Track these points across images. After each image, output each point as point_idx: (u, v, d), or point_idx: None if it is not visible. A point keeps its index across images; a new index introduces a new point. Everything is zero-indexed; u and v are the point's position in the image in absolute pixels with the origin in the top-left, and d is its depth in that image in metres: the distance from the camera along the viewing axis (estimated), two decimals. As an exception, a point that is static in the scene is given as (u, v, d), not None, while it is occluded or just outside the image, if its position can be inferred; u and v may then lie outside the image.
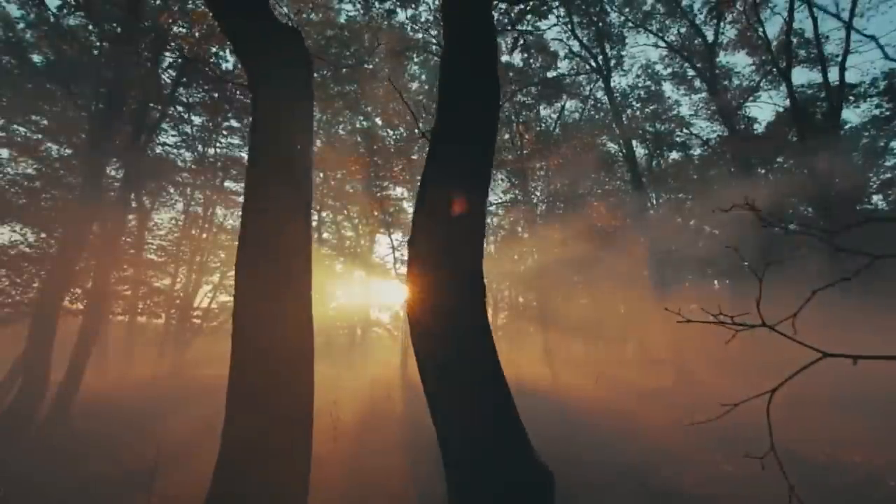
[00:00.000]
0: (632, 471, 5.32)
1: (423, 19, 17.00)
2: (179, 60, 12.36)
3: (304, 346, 3.26)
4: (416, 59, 20.37)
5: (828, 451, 5.89)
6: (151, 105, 14.04)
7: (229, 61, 15.90)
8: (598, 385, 12.58)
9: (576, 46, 19.22)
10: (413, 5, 15.51)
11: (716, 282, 34.07)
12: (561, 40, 19.92)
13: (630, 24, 19.55)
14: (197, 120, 19.72)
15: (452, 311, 3.03)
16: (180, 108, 18.26)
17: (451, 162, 3.32)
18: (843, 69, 15.23)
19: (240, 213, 20.40)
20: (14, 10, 13.88)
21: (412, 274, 3.18)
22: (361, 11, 16.12)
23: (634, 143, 20.17)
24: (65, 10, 10.57)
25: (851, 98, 18.47)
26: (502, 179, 23.29)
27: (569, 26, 17.83)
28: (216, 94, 15.20)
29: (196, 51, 8.84)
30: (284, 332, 3.18)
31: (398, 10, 15.73)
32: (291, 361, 3.15)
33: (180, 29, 10.39)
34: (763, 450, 5.39)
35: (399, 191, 25.35)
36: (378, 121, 23.22)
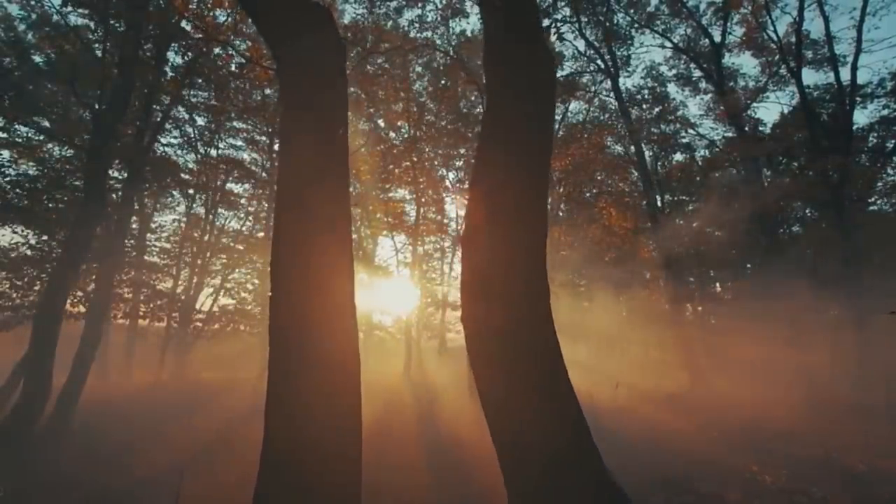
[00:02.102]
0: (670, 482, 5.09)
1: (428, 20, 16.79)
2: (186, 56, 12.14)
3: (348, 347, 2.97)
4: (419, 61, 20.24)
5: (866, 459, 5.67)
6: (156, 106, 13.86)
7: (232, 66, 15.75)
8: (615, 391, 12.34)
9: (582, 46, 19.12)
10: (420, 4, 15.31)
11: (718, 284, 34.03)
12: (567, 40, 19.78)
13: (636, 25, 19.44)
14: (200, 121, 19.54)
15: (514, 318, 2.76)
16: (182, 109, 18.11)
17: (508, 142, 3.02)
18: (854, 69, 15.09)
19: (241, 215, 20.18)
20: (15, 10, 13.70)
21: (467, 273, 2.92)
22: (367, 10, 15.93)
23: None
24: (68, 6, 10.36)
25: (858, 99, 18.35)
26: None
27: (576, 25, 17.68)
28: (222, 93, 15.00)
29: (212, 32, 8.60)
30: (328, 331, 2.91)
31: (405, 9, 15.57)
32: (337, 364, 2.87)
33: (190, 19, 10.18)
34: (798, 458, 5.17)
35: (401, 193, 25.24)
36: (381, 122, 23.08)
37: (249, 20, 14.42)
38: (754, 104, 20.78)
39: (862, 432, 7.24)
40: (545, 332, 2.84)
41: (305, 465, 2.58)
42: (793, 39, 16.55)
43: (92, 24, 12.18)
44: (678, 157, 25.42)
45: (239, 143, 22.24)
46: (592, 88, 21.68)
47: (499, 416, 2.80)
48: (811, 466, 5.45)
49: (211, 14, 8.68)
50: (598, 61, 18.84)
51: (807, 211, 25.04)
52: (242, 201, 24.06)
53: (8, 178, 13.70)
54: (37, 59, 13.89)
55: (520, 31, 3.33)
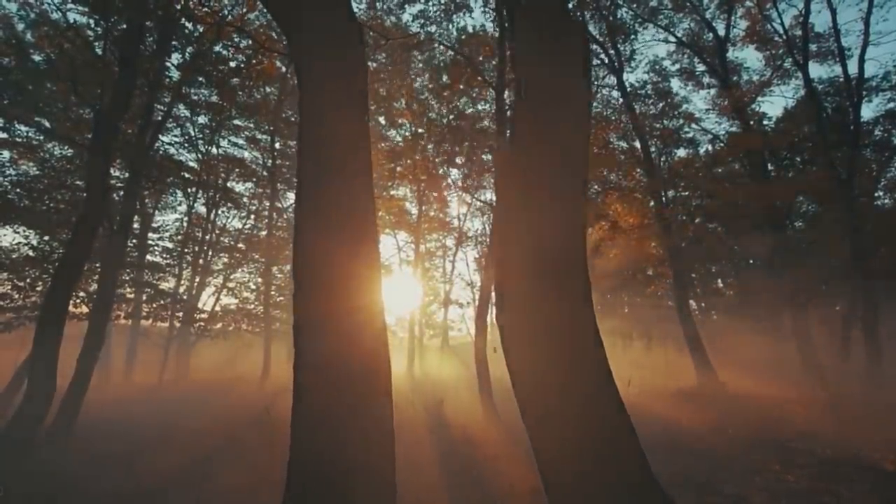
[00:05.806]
0: (693, 482, 4.98)
1: (430, 14, 16.60)
2: (187, 52, 12.00)
3: (379, 348, 2.84)
4: (420, 57, 20.07)
5: (892, 457, 5.55)
6: (157, 105, 13.70)
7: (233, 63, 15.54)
8: (627, 388, 12.24)
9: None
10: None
11: (719, 280, 33.94)
12: (570, 35, 19.55)
13: (639, 20, 19.28)
14: (201, 119, 19.43)
15: (553, 312, 2.61)
16: (183, 107, 17.97)
17: (542, 123, 2.87)
18: (862, 61, 14.95)
19: (243, 214, 20.07)
20: (13, 8, 13.55)
21: (501, 271, 2.77)
22: (368, 6, 15.80)
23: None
24: (68, 3, 10.21)
25: (864, 92, 18.21)
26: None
27: (580, 19, 17.51)
28: (223, 90, 14.84)
29: (221, 21, 8.42)
30: (357, 331, 2.77)
31: (407, 4, 15.43)
32: (368, 368, 2.74)
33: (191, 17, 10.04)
34: (820, 456, 5.02)
35: (402, 191, 25.10)
36: (381, 119, 22.90)
37: (254, 15, 14.25)
38: (759, 98, 20.64)
39: (883, 430, 7.11)
40: (587, 333, 2.66)
41: (337, 472, 2.45)
42: (798, 32, 16.42)
43: (92, 22, 12.02)
44: (681, 152, 25.35)
45: (240, 141, 22.18)
46: (595, 83, 21.50)
47: (539, 425, 2.65)
48: (836, 465, 5.32)
49: (218, 3, 8.51)
50: (602, 56, 18.67)
51: (809, 206, 24.96)
52: (244, 200, 23.98)
53: (9, 178, 13.57)
54: (36, 57, 13.75)
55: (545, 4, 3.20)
